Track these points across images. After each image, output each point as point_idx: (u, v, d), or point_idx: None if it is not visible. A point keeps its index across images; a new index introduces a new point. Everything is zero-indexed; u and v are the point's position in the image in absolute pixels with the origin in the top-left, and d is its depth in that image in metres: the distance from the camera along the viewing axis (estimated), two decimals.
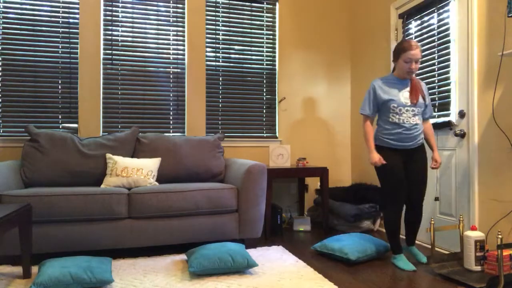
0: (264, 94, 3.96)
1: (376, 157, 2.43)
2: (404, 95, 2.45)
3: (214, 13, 3.81)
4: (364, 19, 4.01)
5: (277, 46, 4.01)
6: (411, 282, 2.24)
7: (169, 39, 3.67)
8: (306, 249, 2.93)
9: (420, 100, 2.48)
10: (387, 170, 2.46)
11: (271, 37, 3.99)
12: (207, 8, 3.79)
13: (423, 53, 3.14)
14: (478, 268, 2.28)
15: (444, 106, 2.91)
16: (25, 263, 2.23)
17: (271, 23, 3.99)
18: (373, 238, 2.73)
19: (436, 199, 2.80)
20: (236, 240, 3.08)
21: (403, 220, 3.17)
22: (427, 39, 3.09)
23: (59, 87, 3.39)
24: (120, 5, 3.54)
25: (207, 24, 3.79)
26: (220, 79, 3.82)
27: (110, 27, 3.52)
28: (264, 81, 3.96)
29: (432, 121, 3.03)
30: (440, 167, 2.96)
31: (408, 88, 2.48)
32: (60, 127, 3.39)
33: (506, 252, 2.13)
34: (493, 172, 2.49)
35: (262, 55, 3.96)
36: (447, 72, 2.88)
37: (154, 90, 3.63)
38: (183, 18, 3.72)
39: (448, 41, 2.87)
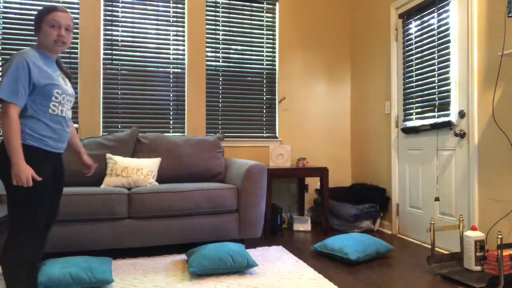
0: (264, 94, 3.96)
1: (28, 171, 1.58)
2: (61, 78, 1.83)
3: (214, 13, 3.81)
4: (364, 19, 4.01)
5: (277, 46, 4.01)
6: (411, 282, 2.24)
7: (169, 39, 3.67)
8: (306, 249, 2.93)
9: None
10: (36, 187, 1.64)
11: (271, 37, 3.99)
12: (207, 8, 3.79)
13: (422, 53, 3.14)
14: (478, 268, 2.28)
15: (444, 106, 2.91)
16: None
17: (271, 23, 3.99)
18: (373, 238, 2.73)
19: (436, 199, 2.80)
20: (236, 240, 3.08)
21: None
22: (427, 39, 3.09)
23: None
24: (120, 5, 3.54)
25: (207, 24, 3.79)
26: (220, 79, 3.82)
27: (110, 27, 3.52)
28: (264, 81, 3.96)
29: (432, 121, 3.02)
30: (440, 167, 2.96)
31: (58, 69, 1.88)
32: None
33: (506, 252, 2.13)
34: (493, 172, 2.49)
35: (262, 55, 3.96)
36: (447, 72, 2.88)
37: (154, 90, 3.62)
38: (183, 18, 3.72)
39: (448, 41, 2.87)
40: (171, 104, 3.67)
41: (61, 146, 1.79)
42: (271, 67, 3.99)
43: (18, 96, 1.59)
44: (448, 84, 2.87)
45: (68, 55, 3.41)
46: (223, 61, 3.83)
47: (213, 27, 3.81)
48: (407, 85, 3.33)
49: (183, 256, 2.71)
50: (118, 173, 2.88)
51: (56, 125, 1.74)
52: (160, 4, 3.65)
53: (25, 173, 1.57)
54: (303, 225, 3.61)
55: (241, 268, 2.31)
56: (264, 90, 3.96)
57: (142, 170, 2.92)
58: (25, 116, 1.66)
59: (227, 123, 3.84)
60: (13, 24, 3.28)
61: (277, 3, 4.00)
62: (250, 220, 2.86)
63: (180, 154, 3.21)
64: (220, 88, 3.82)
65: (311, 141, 4.12)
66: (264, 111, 3.96)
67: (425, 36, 3.12)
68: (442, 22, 2.95)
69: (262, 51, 3.96)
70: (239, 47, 3.88)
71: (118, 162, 2.94)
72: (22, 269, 1.64)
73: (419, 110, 3.18)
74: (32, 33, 3.31)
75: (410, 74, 3.30)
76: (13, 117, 1.58)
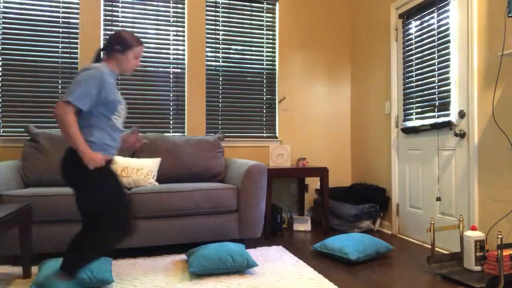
0: (264, 94, 3.96)
1: (98, 155, 1.78)
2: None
3: (214, 13, 3.81)
4: (364, 19, 4.01)
5: (277, 46, 4.01)
6: (411, 282, 2.24)
7: (169, 39, 3.67)
8: (306, 249, 2.93)
9: None
10: (111, 182, 1.87)
11: (271, 37, 3.99)
12: (207, 8, 3.79)
13: (422, 53, 3.15)
14: (478, 268, 2.28)
15: (444, 106, 2.91)
16: (25, 263, 2.23)
17: (271, 23, 3.99)
18: (373, 238, 2.73)
19: (438, 199, 2.80)
20: (236, 240, 3.08)
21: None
22: (427, 39, 3.09)
23: (59, 87, 3.39)
24: (120, 5, 3.54)
25: (207, 24, 3.79)
26: (220, 79, 3.82)
27: (110, 27, 3.52)
28: (264, 81, 3.96)
29: (432, 121, 3.03)
30: (440, 167, 2.96)
31: None
32: None
33: (506, 252, 2.13)
34: (493, 172, 2.49)
35: (262, 55, 3.96)
36: (447, 72, 2.88)
37: (154, 90, 3.62)
38: (183, 18, 3.72)
39: (448, 41, 2.87)
40: (171, 104, 3.67)
41: (115, 153, 1.99)
42: (271, 67, 3.99)
43: (81, 100, 1.74)
44: (448, 84, 2.87)
45: (68, 55, 3.41)
46: (223, 61, 3.83)
47: (213, 27, 3.81)
48: (407, 85, 3.33)
49: (183, 256, 2.71)
50: (118, 173, 2.88)
51: (116, 134, 1.94)
52: (160, 4, 3.65)
53: (96, 155, 1.75)
54: (303, 225, 3.61)
55: (241, 268, 2.31)
56: (264, 90, 3.96)
57: (142, 170, 2.92)
58: (91, 126, 1.83)
59: (227, 123, 3.84)
60: (13, 24, 3.28)
61: (277, 3, 4.00)
62: (250, 220, 2.86)
63: (180, 154, 3.21)
64: (220, 88, 3.82)
65: (311, 141, 4.12)
66: (264, 111, 3.96)
67: (425, 36, 3.12)
68: (442, 22, 2.95)
69: (262, 51, 3.96)
70: (239, 47, 3.88)
71: (118, 162, 2.94)
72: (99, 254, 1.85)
73: (419, 110, 3.18)
74: (32, 33, 3.31)
75: (410, 74, 3.30)
76: (72, 117, 1.73)
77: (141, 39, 3.58)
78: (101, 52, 1.99)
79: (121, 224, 1.85)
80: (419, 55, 3.19)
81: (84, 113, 1.82)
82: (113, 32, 1.94)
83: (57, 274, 1.80)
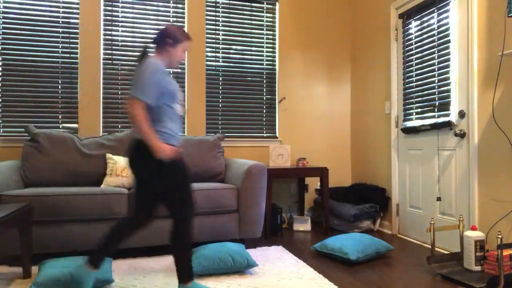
0: (264, 94, 3.96)
1: (169, 147, 1.88)
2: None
3: (214, 13, 3.81)
4: (364, 19, 4.01)
5: (277, 46, 4.01)
6: (411, 282, 2.24)
7: None
8: (306, 249, 2.93)
9: None
10: (181, 168, 1.95)
11: (271, 37, 3.99)
12: (207, 8, 3.79)
13: (422, 53, 3.15)
14: (478, 268, 2.28)
15: (444, 106, 2.91)
16: (25, 263, 2.23)
17: (271, 23, 3.99)
18: (373, 238, 2.73)
19: (438, 199, 2.80)
20: (236, 240, 3.08)
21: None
22: (427, 39, 3.09)
23: (59, 87, 3.39)
24: (120, 5, 3.54)
25: (207, 24, 3.79)
26: (220, 79, 3.82)
27: (110, 27, 3.52)
28: (264, 81, 3.96)
29: (432, 121, 3.03)
30: (440, 167, 2.96)
31: None
32: (60, 127, 3.39)
33: (506, 252, 2.13)
34: (493, 172, 2.49)
35: (262, 55, 3.96)
36: (447, 72, 2.88)
37: None
38: (183, 18, 3.72)
39: (448, 41, 2.87)
40: None
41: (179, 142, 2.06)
42: (271, 67, 3.99)
43: (149, 96, 1.84)
44: (448, 84, 2.87)
45: (68, 55, 3.41)
46: (223, 61, 3.83)
47: (213, 27, 3.81)
48: (407, 85, 3.33)
49: None
50: (118, 173, 2.88)
51: (179, 122, 2.03)
52: (160, 4, 3.65)
53: (167, 146, 1.86)
54: (303, 225, 3.61)
55: (241, 268, 2.31)
56: (264, 90, 3.96)
57: None
58: (160, 117, 1.92)
59: (227, 123, 3.84)
60: (13, 24, 3.28)
61: (277, 3, 4.00)
62: (250, 220, 2.86)
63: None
64: (220, 88, 3.82)
65: (311, 141, 4.12)
66: (264, 111, 3.96)
67: (425, 36, 3.12)
68: (442, 22, 2.95)
69: (262, 51, 3.96)
70: (239, 47, 3.88)
71: (118, 162, 2.94)
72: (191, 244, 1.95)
73: (419, 110, 3.18)
74: (32, 33, 3.31)
75: (410, 74, 3.30)
76: (143, 114, 1.84)
77: (141, 39, 3.59)
78: (147, 48, 2.07)
79: (191, 202, 1.96)
80: (419, 55, 3.19)
81: (151, 106, 1.90)
82: (163, 27, 2.06)
83: (184, 286, 1.93)
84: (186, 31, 2.06)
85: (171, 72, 3.66)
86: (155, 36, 2.07)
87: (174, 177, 1.90)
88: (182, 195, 1.92)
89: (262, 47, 3.96)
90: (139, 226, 2.01)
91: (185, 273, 1.92)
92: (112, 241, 1.94)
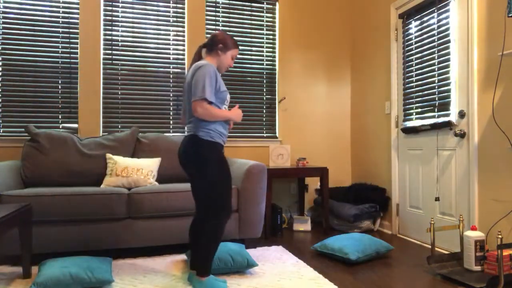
0: (264, 94, 3.96)
1: (239, 111, 2.13)
2: None
3: (214, 13, 3.81)
4: (364, 19, 4.01)
5: (277, 46, 4.01)
6: (411, 282, 2.24)
7: (169, 39, 3.67)
8: (306, 249, 2.93)
9: None
10: (227, 170, 2.07)
11: (271, 37, 3.99)
12: (207, 8, 3.79)
13: (422, 53, 3.15)
14: (478, 268, 2.28)
15: (444, 106, 2.91)
16: (25, 263, 2.23)
17: (271, 23, 3.99)
18: (373, 238, 2.73)
19: (437, 199, 2.80)
20: (236, 240, 3.08)
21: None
22: (427, 39, 3.09)
23: (59, 87, 3.39)
24: (120, 5, 3.54)
25: (207, 24, 3.79)
26: None
27: (110, 27, 3.52)
28: (264, 81, 3.96)
29: (432, 121, 3.03)
30: (440, 167, 2.96)
31: None
32: (60, 127, 3.39)
33: (506, 252, 2.13)
34: (493, 172, 2.49)
35: (262, 55, 3.96)
36: (447, 72, 2.88)
37: (154, 90, 3.62)
38: (183, 18, 3.72)
39: (448, 41, 2.87)
40: (171, 104, 3.67)
41: (226, 140, 2.18)
42: (271, 67, 3.99)
43: (210, 94, 1.97)
44: (448, 84, 2.87)
45: (68, 55, 3.41)
46: None
47: (213, 27, 3.81)
48: (407, 85, 3.33)
49: (183, 256, 2.71)
50: (118, 173, 2.88)
51: (227, 124, 2.14)
52: (160, 4, 3.65)
53: (236, 111, 2.10)
54: (303, 225, 3.61)
55: (241, 268, 2.31)
56: (264, 90, 3.96)
57: (142, 170, 2.92)
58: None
59: None
60: (13, 24, 3.28)
61: (277, 3, 4.00)
62: (250, 220, 2.86)
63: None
64: None
65: (311, 141, 4.12)
66: (264, 111, 3.96)
67: (425, 36, 3.12)
68: (442, 22, 2.95)
69: (262, 51, 3.96)
70: (239, 47, 3.87)
71: (118, 162, 2.94)
72: (217, 244, 2.04)
73: (419, 110, 3.18)
74: (32, 33, 3.31)
75: (410, 74, 3.30)
76: (211, 107, 1.98)
77: (141, 39, 3.59)
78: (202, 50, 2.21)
79: (228, 206, 2.05)
80: (419, 55, 3.19)
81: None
82: (215, 32, 2.18)
83: (199, 279, 2.02)
84: (233, 39, 2.22)
85: (171, 72, 3.66)
86: (206, 40, 2.18)
87: (222, 176, 2.01)
88: (225, 190, 2.03)
89: (262, 47, 3.96)
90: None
91: (202, 267, 2.01)
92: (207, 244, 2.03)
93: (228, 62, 2.19)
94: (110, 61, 3.52)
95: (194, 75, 2.01)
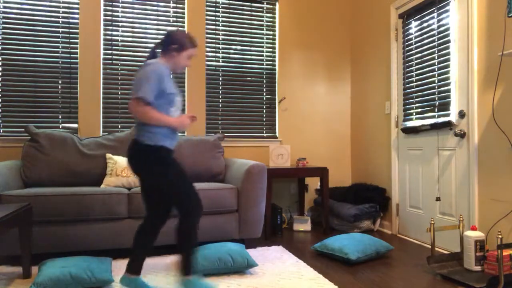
0: (264, 94, 3.96)
1: (185, 117, 1.99)
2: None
3: (214, 13, 3.81)
4: (364, 19, 4.01)
5: (277, 46, 4.01)
6: (411, 282, 2.24)
7: None
8: (306, 249, 2.93)
9: None
10: (176, 169, 1.98)
11: (271, 37, 3.99)
12: (207, 8, 3.79)
13: (422, 53, 3.15)
14: (478, 268, 2.28)
15: (444, 106, 2.91)
16: (25, 263, 2.23)
17: (271, 23, 3.99)
18: (373, 238, 2.73)
19: (438, 199, 2.80)
20: (236, 240, 3.08)
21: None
22: (427, 39, 3.09)
23: (59, 87, 3.39)
24: (120, 5, 3.54)
25: (207, 24, 3.79)
26: (220, 79, 3.82)
27: (110, 27, 3.52)
28: (264, 81, 3.96)
29: (432, 121, 3.03)
30: (440, 167, 2.96)
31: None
32: (60, 127, 3.39)
33: (506, 252, 2.13)
34: (493, 172, 2.49)
35: (262, 55, 3.96)
36: (447, 72, 2.88)
37: None
38: (183, 18, 3.72)
39: (448, 41, 2.87)
40: None
41: (175, 143, 2.05)
42: (271, 67, 3.99)
43: (148, 94, 1.86)
44: (448, 84, 2.87)
45: (68, 55, 3.41)
46: (223, 61, 3.83)
47: (213, 27, 3.81)
48: (407, 85, 3.33)
49: None
50: (118, 173, 2.88)
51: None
52: (160, 4, 3.65)
53: (181, 118, 1.96)
54: (303, 225, 3.61)
55: (241, 268, 2.31)
56: (264, 90, 3.96)
57: None
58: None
59: (227, 123, 3.84)
60: (13, 24, 3.28)
61: (277, 3, 4.00)
62: (250, 220, 2.86)
63: (180, 154, 3.21)
64: (220, 88, 3.82)
65: (311, 141, 4.12)
66: (264, 111, 3.96)
67: (425, 36, 3.12)
68: (442, 22, 2.95)
69: (262, 51, 3.96)
70: (239, 47, 3.88)
71: (118, 162, 2.94)
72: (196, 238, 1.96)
73: (419, 110, 3.18)
74: (32, 33, 3.31)
75: (410, 74, 3.30)
76: (147, 108, 1.87)
77: (141, 39, 3.59)
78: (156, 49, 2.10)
79: (197, 198, 1.97)
80: (419, 55, 3.19)
81: (150, 104, 1.91)
82: (170, 30, 2.05)
83: (184, 279, 1.94)
84: (193, 37, 2.07)
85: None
86: (162, 38, 2.06)
87: (172, 172, 1.93)
88: (184, 189, 1.94)
89: (262, 47, 3.96)
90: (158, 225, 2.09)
91: (186, 267, 1.94)
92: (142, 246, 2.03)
93: (183, 63, 2.06)
94: (110, 61, 3.52)
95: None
